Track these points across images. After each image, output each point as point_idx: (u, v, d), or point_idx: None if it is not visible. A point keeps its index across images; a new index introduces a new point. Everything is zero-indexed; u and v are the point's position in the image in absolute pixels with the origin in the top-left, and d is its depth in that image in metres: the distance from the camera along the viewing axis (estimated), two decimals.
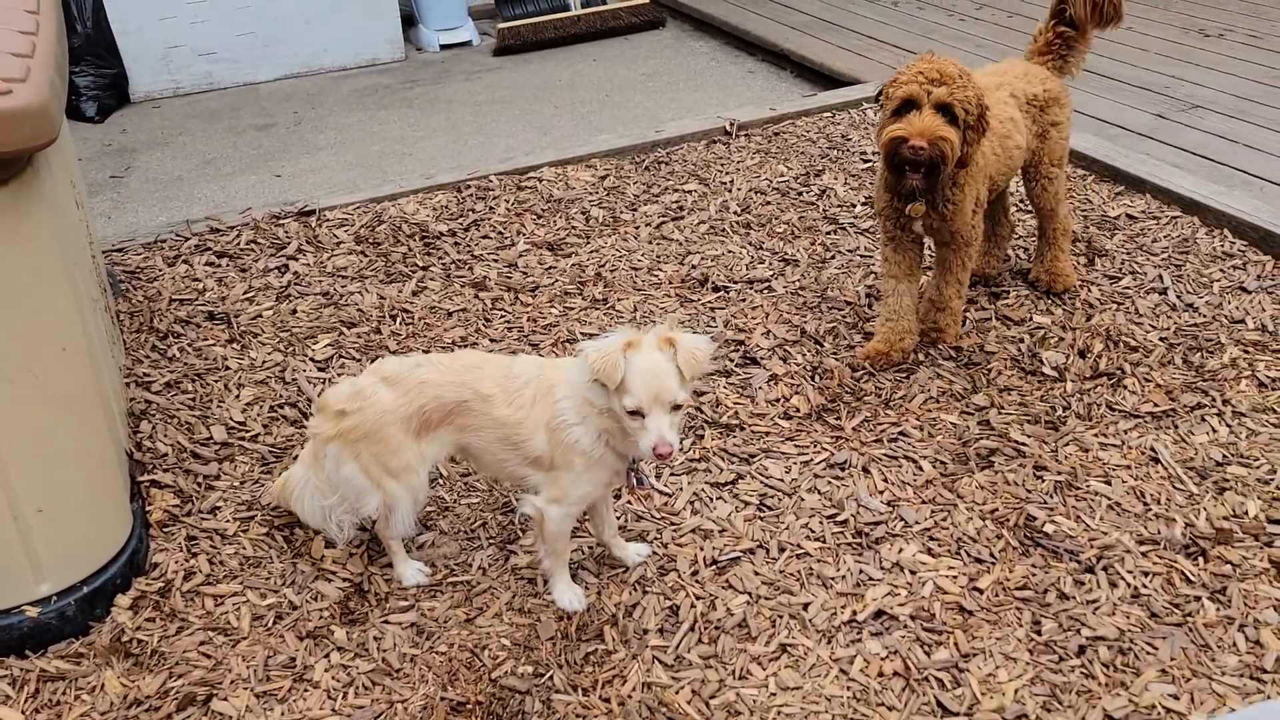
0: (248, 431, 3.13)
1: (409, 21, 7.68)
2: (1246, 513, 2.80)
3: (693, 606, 2.57)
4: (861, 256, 4.15)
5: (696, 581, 2.65)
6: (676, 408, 2.24)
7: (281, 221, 4.45)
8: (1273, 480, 2.90)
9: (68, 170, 2.85)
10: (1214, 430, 3.12)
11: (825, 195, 4.65)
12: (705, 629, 2.52)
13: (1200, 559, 2.67)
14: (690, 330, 2.40)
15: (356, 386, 2.47)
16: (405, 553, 2.69)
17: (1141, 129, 5.10)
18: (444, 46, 7.60)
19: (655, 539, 2.78)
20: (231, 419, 3.17)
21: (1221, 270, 3.89)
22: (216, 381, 3.36)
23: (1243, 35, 6.41)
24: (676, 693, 2.35)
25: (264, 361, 3.48)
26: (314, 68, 7.12)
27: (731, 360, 3.53)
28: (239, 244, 4.27)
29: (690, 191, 4.74)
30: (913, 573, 2.67)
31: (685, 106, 6.20)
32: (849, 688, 2.36)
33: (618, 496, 2.85)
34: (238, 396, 3.29)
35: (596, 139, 5.36)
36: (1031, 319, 3.69)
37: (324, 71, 7.16)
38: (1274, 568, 2.62)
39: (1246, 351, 3.45)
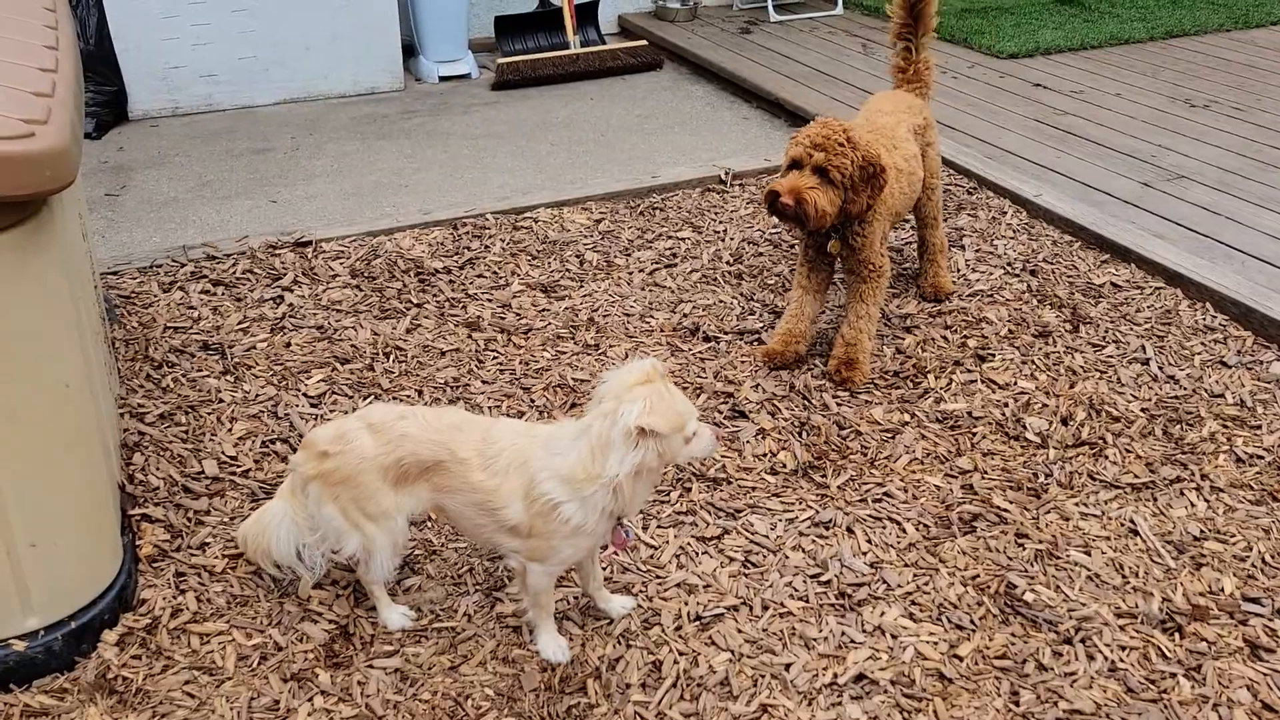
0: (239, 466, 3.14)
1: (409, 51, 7.75)
2: (1223, 589, 2.85)
3: (675, 662, 2.59)
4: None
5: (680, 637, 2.67)
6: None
7: (278, 251, 4.48)
8: (1248, 557, 2.96)
9: (76, 202, 2.87)
10: (1192, 504, 3.18)
11: None
12: (687, 686, 2.54)
13: (1177, 635, 2.72)
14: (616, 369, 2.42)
15: (341, 430, 2.48)
16: (389, 598, 2.69)
17: (1128, 196, 5.21)
18: (443, 78, 7.67)
19: (640, 592, 2.81)
20: (224, 453, 3.18)
21: (1203, 343, 3.98)
22: (210, 414, 3.37)
23: (1227, 107, 6.56)
24: None
25: (257, 395, 3.49)
26: (313, 94, 7.17)
27: (720, 413, 3.57)
28: (235, 272, 4.29)
29: (684, 239, 4.80)
30: (894, 637, 2.70)
31: (680, 150, 6.28)
32: None
33: (604, 548, 2.86)
34: (230, 430, 3.30)
35: (593, 181, 5.42)
36: (1016, 383, 3.75)
37: (323, 98, 7.20)
38: (1248, 646, 2.67)
39: (1225, 426, 3.52)
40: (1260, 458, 3.36)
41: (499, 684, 2.51)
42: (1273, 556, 2.96)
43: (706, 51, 7.90)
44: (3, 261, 2.01)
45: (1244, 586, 2.86)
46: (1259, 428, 3.50)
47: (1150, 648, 2.68)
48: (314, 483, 2.48)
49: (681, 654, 2.62)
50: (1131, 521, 3.11)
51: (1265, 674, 2.59)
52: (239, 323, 3.93)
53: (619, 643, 2.65)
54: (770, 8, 8.79)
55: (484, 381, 3.68)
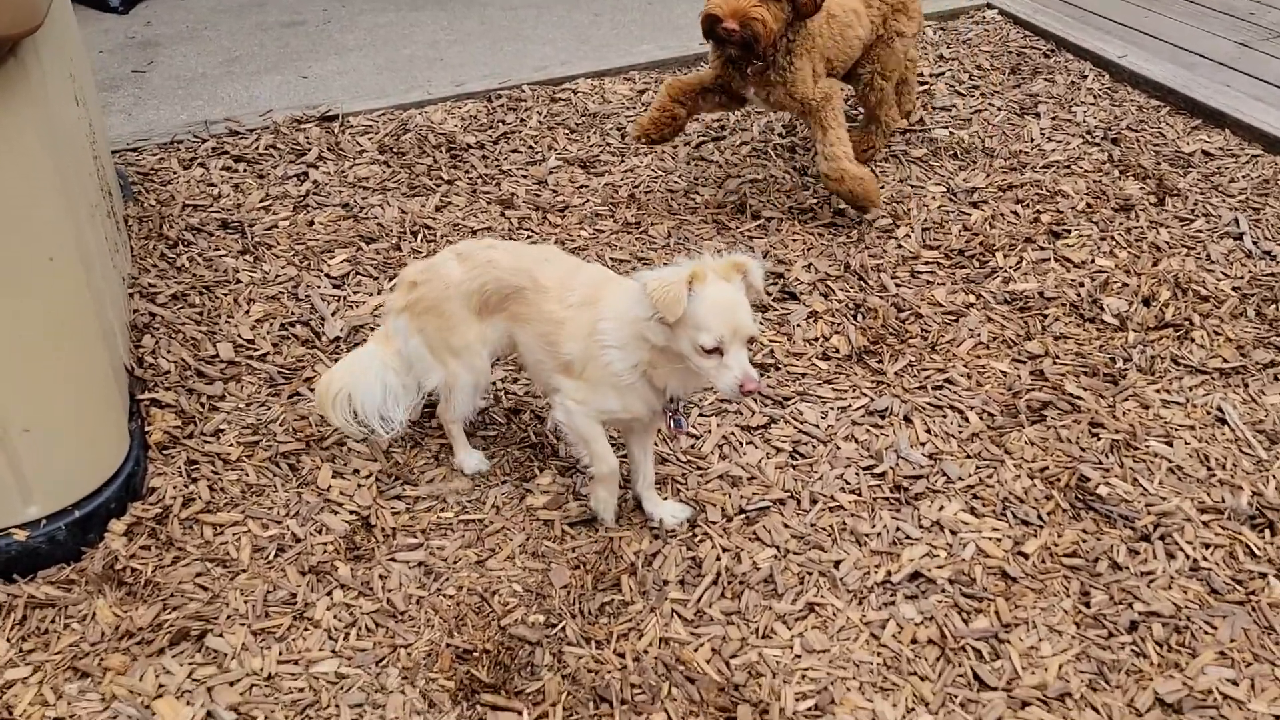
0: (256, 350, 2.98)
1: None
2: None
3: (717, 559, 2.42)
4: (913, 186, 3.89)
5: (722, 532, 2.49)
6: (751, 340, 2.13)
7: (303, 126, 4.25)
8: None
9: (65, 61, 2.65)
10: None
11: None
12: (729, 583, 2.37)
13: (1267, 532, 2.48)
14: (747, 254, 2.24)
15: (432, 260, 2.48)
16: (466, 439, 2.65)
17: (1222, 58, 4.74)
18: None
19: (680, 484, 2.62)
20: (240, 336, 3.02)
21: None
22: (226, 295, 3.20)
23: None
24: (695, 650, 2.21)
25: (277, 276, 3.31)
26: None
27: (769, 294, 3.32)
28: (258, 148, 4.08)
29: (731, 114, 4.47)
30: (953, 533, 2.49)
31: None
32: (879, 654, 2.21)
33: (656, 444, 2.67)
34: (247, 312, 3.13)
35: (636, 49, 5.08)
36: (1094, 261, 3.44)
37: None
38: None
39: None
40: None
41: (527, 579, 2.36)
42: None
43: None
44: None
45: None
46: None
47: (1237, 545, 2.45)
48: (403, 315, 2.47)
49: (724, 550, 2.45)
50: (1219, 409, 2.84)
51: None
52: (261, 200, 3.73)
53: (656, 538, 2.48)
54: None
55: None
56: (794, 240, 3.59)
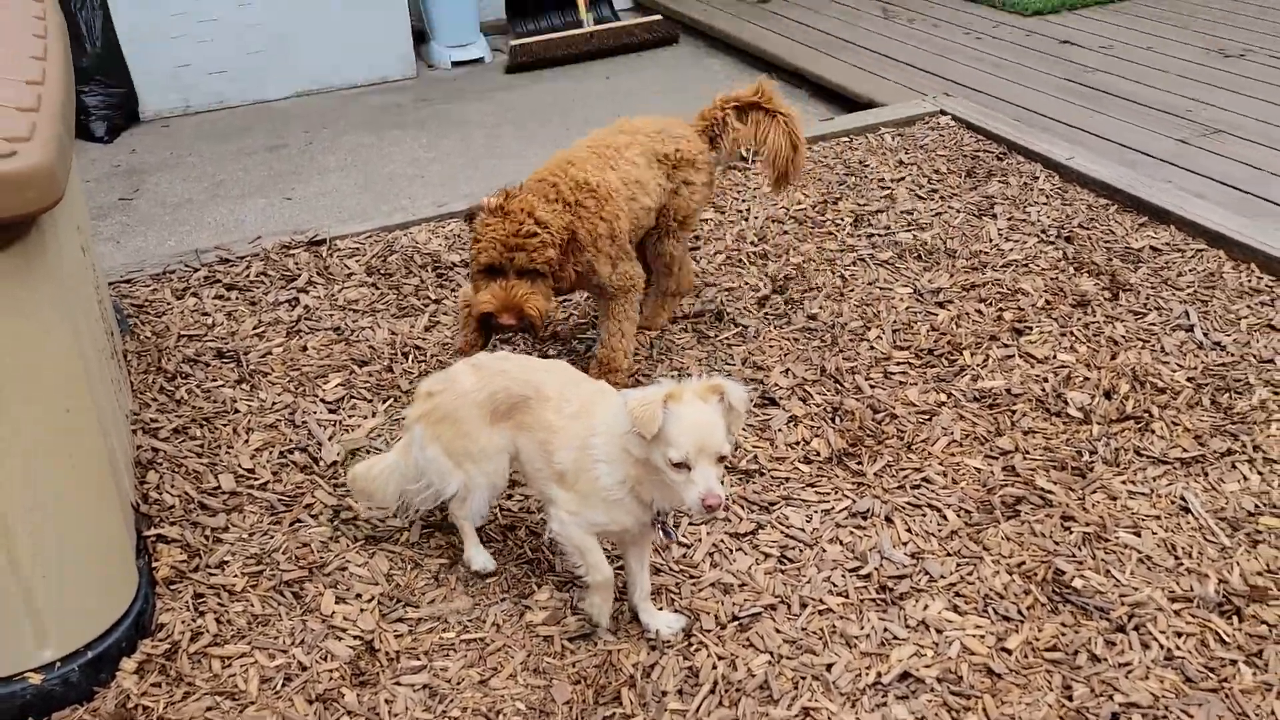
0: (257, 479, 3.07)
1: (420, 38, 7.64)
2: None
3: (714, 667, 2.50)
4: (881, 289, 4.08)
5: (717, 640, 2.58)
6: (721, 459, 2.23)
7: (292, 251, 4.40)
8: None
9: (73, 215, 2.79)
10: (1245, 478, 3.05)
11: (842, 225, 4.58)
12: (726, 691, 2.45)
13: (1235, 618, 2.59)
14: (726, 377, 2.37)
15: (447, 372, 2.63)
16: (477, 537, 2.78)
17: (1163, 155, 5.02)
18: (456, 64, 7.56)
19: (674, 593, 2.71)
20: (240, 466, 3.12)
21: (1249, 307, 3.81)
22: (225, 425, 3.30)
23: (1264, 56, 6.32)
24: None
25: (273, 403, 3.42)
26: (325, 85, 7.08)
27: (749, 401, 3.45)
28: (249, 275, 4.22)
29: (705, 220, 4.67)
30: (939, 631, 2.59)
31: None
32: None
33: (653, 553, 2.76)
34: (246, 441, 3.23)
35: None
36: (1056, 357, 3.61)
37: (335, 89, 7.12)
38: None
39: (1277, 393, 3.37)
40: None
41: (530, 696, 2.43)
42: None
43: (723, 23, 7.73)
44: None
45: None
46: None
47: (1208, 633, 2.56)
48: (419, 424, 2.60)
49: (719, 658, 2.53)
50: (1182, 499, 2.97)
51: None
52: (254, 328, 3.86)
53: (653, 649, 2.56)
54: None
55: None
56: (771, 346, 3.75)
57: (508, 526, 2.97)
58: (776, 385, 3.52)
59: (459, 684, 2.47)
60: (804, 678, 2.48)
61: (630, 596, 2.64)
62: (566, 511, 2.45)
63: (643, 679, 2.48)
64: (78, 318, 2.40)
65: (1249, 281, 3.95)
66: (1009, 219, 4.52)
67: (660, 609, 2.64)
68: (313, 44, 6.92)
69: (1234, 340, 3.63)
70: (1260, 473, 3.06)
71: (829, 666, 2.51)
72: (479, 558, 2.76)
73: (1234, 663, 2.47)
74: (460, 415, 2.53)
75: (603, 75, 7.26)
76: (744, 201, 4.84)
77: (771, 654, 2.54)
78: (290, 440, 3.24)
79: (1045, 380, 3.50)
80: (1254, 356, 3.55)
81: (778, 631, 2.61)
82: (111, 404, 2.77)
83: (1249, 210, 4.39)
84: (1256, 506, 2.93)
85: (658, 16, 7.96)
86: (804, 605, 2.68)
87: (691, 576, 2.78)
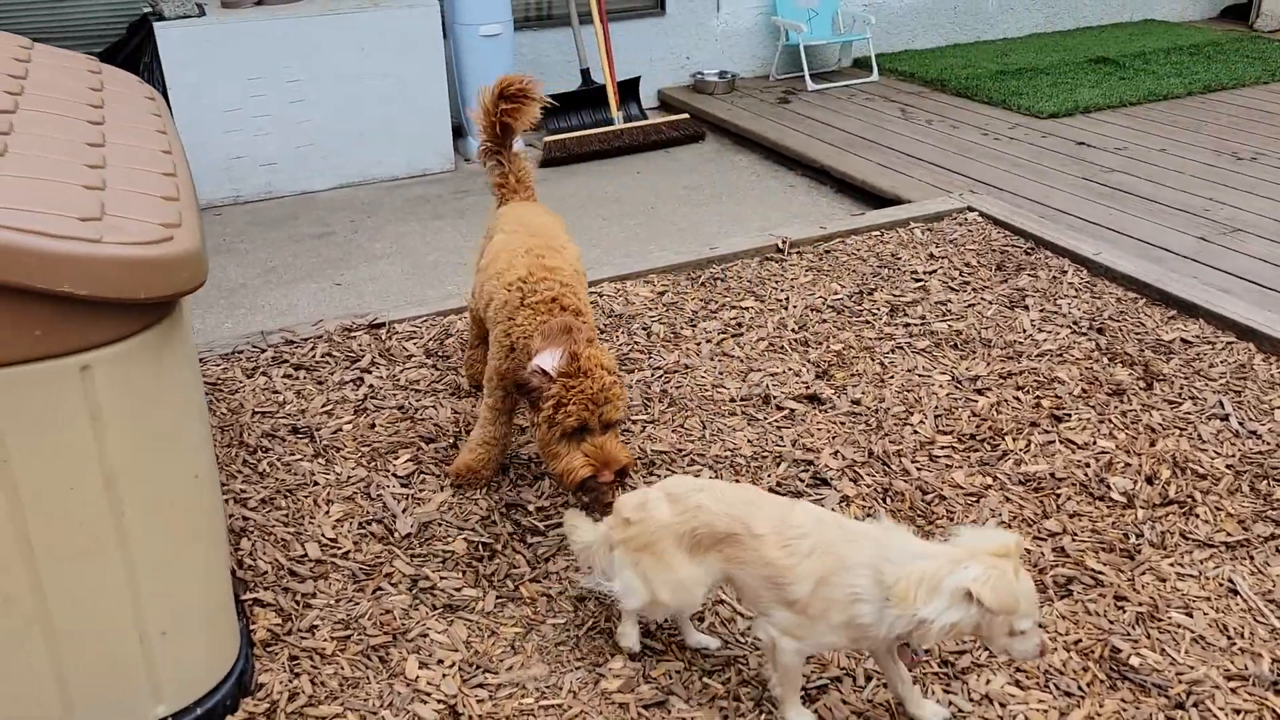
0: (339, 549, 3.19)
1: (458, 133, 7.95)
2: None
3: None
4: (920, 376, 4.23)
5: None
6: None
7: (353, 334, 4.57)
8: None
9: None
10: None
11: (879, 314, 4.76)
12: None
13: None
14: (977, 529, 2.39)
15: (643, 498, 2.66)
16: (637, 625, 2.85)
17: (1186, 252, 5.23)
18: None
19: (742, 663, 2.81)
20: (324, 536, 3.24)
21: None
22: (306, 497, 3.43)
23: (1274, 159, 6.59)
24: None
25: (349, 477, 3.55)
26: (368, 178, 7.35)
27: (802, 481, 3.59)
28: (314, 356, 4.38)
29: (747, 308, 4.86)
30: (1003, 705, 2.68)
31: (730, 219, 6.38)
32: None
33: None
34: (328, 513, 3.35)
35: (650, 254, 5.51)
36: (1096, 443, 3.75)
37: (377, 181, 7.39)
38: None
39: None
40: None
41: None
42: None
43: (747, 122, 8.05)
44: (144, 360, 2.09)
45: None
46: None
47: (1265, 710, 2.64)
48: (619, 548, 2.66)
49: None
50: (1230, 580, 3.08)
51: None
52: (323, 405, 4.01)
53: (722, 715, 2.64)
54: (807, 77, 8.95)
55: None
56: (819, 429, 3.89)
57: (578, 599, 3.07)
58: (827, 466, 3.65)
59: None
60: None
61: (894, 690, 2.66)
62: (789, 635, 2.46)
63: None
64: (201, 388, 2.55)
65: (1278, 373, 4.11)
66: (1040, 310, 4.71)
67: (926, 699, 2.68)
68: (358, 139, 7.21)
69: (1269, 429, 3.77)
70: None
71: None
72: (630, 636, 2.83)
73: None
74: (660, 548, 2.57)
75: (634, 170, 7.54)
76: (783, 291, 5.03)
77: None
78: (368, 512, 3.37)
79: (1087, 465, 3.63)
80: None
81: (844, 703, 2.70)
82: (216, 473, 2.91)
83: (1273, 305, 4.58)
84: None
85: (684, 115, 8.29)
86: (869, 678, 2.77)
87: (756, 648, 2.88)
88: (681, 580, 2.58)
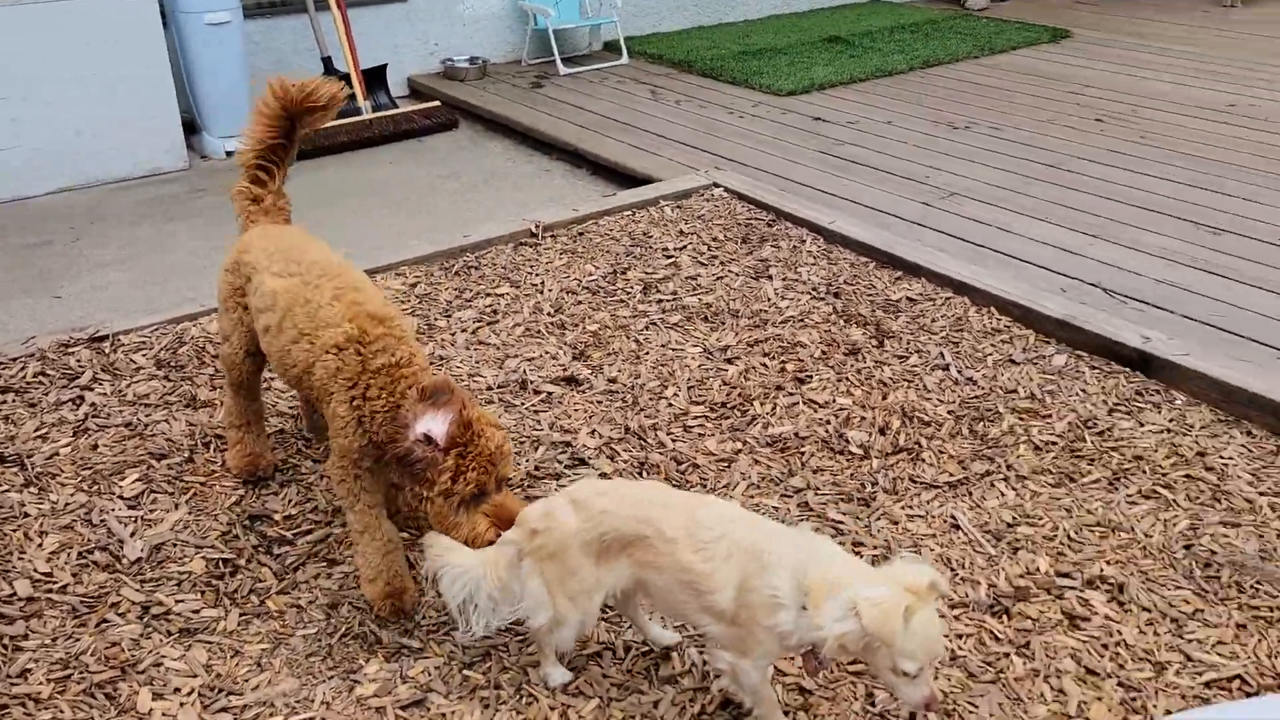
0: (55, 582, 2.92)
1: (190, 128, 7.48)
2: (1038, 569, 3.09)
3: (545, 718, 2.59)
4: (673, 350, 4.33)
5: (547, 692, 2.67)
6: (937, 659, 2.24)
7: (71, 350, 4.21)
8: (1056, 536, 3.22)
9: None
10: (1002, 494, 3.43)
11: (633, 293, 4.83)
12: None
13: (1004, 617, 2.92)
14: (915, 560, 2.33)
15: (548, 507, 2.55)
16: (555, 657, 2.71)
17: (911, 217, 5.60)
18: (230, 153, 7.42)
19: (504, 653, 2.79)
20: (36, 571, 2.96)
21: (992, 345, 4.31)
22: (15, 531, 3.12)
23: (985, 127, 7.16)
24: None
25: (66, 504, 3.26)
26: (91, 180, 6.80)
27: (560, 462, 3.60)
28: (25, 377, 4.00)
29: (503, 295, 4.82)
30: None
31: (486, 207, 6.32)
32: None
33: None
34: (40, 545, 3.07)
35: (404, 246, 5.37)
36: (835, 401, 3.95)
37: (102, 183, 6.84)
38: (1066, 619, 2.90)
39: (1021, 418, 3.82)
40: (1054, 444, 3.66)
41: None
42: (1076, 533, 3.23)
43: (501, 108, 7.99)
44: None
45: (1056, 564, 3.10)
46: (1049, 416, 3.81)
47: (983, 632, 2.87)
48: (528, 559, 2.53)
49: (550, 708, 2.62)
50: (952, 517, 3.32)
51: (1084, 641, 2.82)
52: (36, 429, 3.66)
53: (486, 707, 2.62)
54: (558, 61, 8.97)
55: (315, 460, 3.58)
56: (576, 410, 3.91)
57: (331, 605, 2.96)
58: (585, 446, 3.68)
59: None
60: (633, 717, 2.60)
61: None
62: (741, 656, 2.39)
63: None
64: None
65: (990, 323, 4.47)
66: (783, 279, 4.92)
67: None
68: (75, 137, 6.65)
69: (983, 375, 4.09)
70: (1014, 489, 3.46)
71: (655, 704, 2.64)
72: (556, 674, 2.70)
73: (1007, 655, 2.79)
74: (567, 556, 2.48)
75: (385, 161, 7.34)
76: (538, 275, 5.02)
77: (601, 698, 2.66)
78: (88, 540, 3.11)
79: (828, 423, 3.82)
80: (1000, 388, 4.01)
81: (605, 677, 2.73)
82: None
83: (985, 261, 4.97)
84: (1014, 518, 3.31)
85: (435, 103, 8.14)
86: (629, 649, 2.82)
87: (519, 635, 2.86)
88: (588, 588, 2.50)
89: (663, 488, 2.71)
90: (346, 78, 7.68)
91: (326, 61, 7.77)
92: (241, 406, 3.38)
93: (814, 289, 4.82)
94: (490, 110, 7.99)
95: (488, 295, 4.83)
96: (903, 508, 3.38)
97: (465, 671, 2.75)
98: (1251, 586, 3.00)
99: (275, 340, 2.92)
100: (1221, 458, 3.55)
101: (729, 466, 3.59)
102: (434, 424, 2.57)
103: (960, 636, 2.85)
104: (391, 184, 6.78)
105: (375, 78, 7.97)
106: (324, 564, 3.09)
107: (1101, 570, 3.07)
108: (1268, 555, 3.11)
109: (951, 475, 3.53)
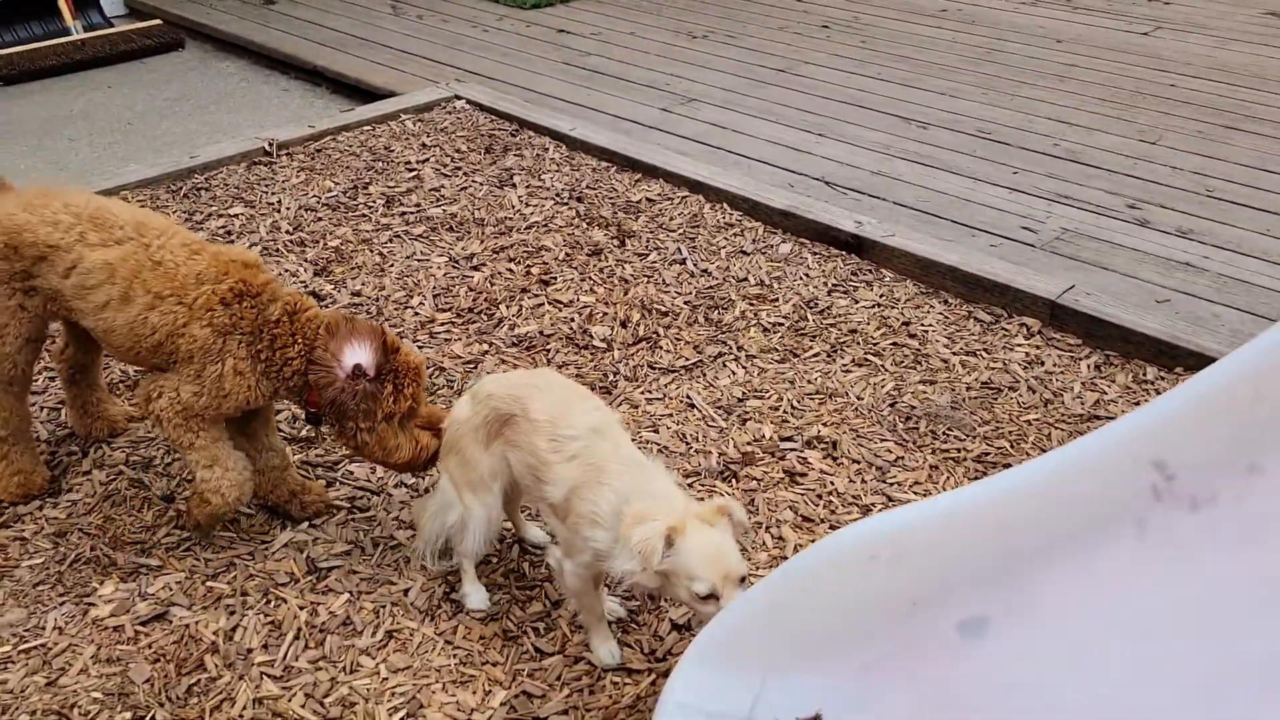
0: None
1: None
2: (764, 436, 3.35)
3: (295, 616, 2.62)
4: (418, 261, 4.33)
5: (297, 593, 2.69)
6: (743, 580, 2.16)
7: None
8: (780, 406, 3.49)
9: None
10: (734, 373, 3.68)
11: (375, 207, 4.77)
12: (310, 634, 2.58)
13: (733, 480, 3.17)
14: (728, 497, 2.38)
15: (456, 403, 2.58)
16: (474, 575, 2.67)
17: (651, 122, 5.76)
18: None
19: (248, 560, 2.78)
20: None
21: (726, 238, 4.55)
22: None
23: (721, 35, 7.40)
24: (290, 700, 2.39)
25: None
26: None
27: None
28: None
29: (236, 215, 4.65)
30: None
31: (221, 129, 6.02)
32: (455, 655, 2.54)
33: None
34: None
35: (124, 170, 5.06)
36: (579, 299, 4.08)
37: None
38: (787, 476, 3.17)
39: (751, 304, 4.08)
40: (780, 324, 3.94)
41: (106, 685, 2.40)
42: (798, 401, 3.52)
43: (231, 26, 7.56)
44: None
45: (779, 430, 3.38)
46: (776, 300, 4.09)
47: (712, 495, 3.10)
48: (441, 460, 2.59)
49: (300, 607, 2.65)
50: (688, 397, 3.54)
51: (801, 494, 3.10)
52: None
53: (232, 613, 2.62)
54: None
55: (50, 410, 3.38)
56: None
57: (59, 533, 2.84)
58: None
59: (23, 692, 2.37)
60: (384, 606, 2.67)
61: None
62: (565, 556, 2.38)
63: (225, 642, 2.54)
64: None
65: (723, 218, 4.71)
66: (527, 187, 4.98)
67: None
68: None
69: (717, 266, 4.33)
70: (744, 367, 3.71)
71: (405, 591, 2.72)
72: (475, 595, 2.63)
73: None
74: (462, 444, 2.47)
75: (103, 85, 6.83)
76: (274, 195, 4.86)
77: (351, 592, 2.71)
78: None
79: (572, 320, 3.95)
80: (733, 278, 4.25)
81: (354, 572, 2.77)
82: None
83: (719, 161, 5.20)
84: (743, 394, 3.57)
85: (157, 22, 7.61)
86: (376, 544, 2.87)
87: (264, 542, 2.86)
88: (482, 477, 2.48)
89: (556, 376, 2.64)
90: None
91: None
92: (9, 409, 2.95)
93: (557, 195, 4.91)
94: (220, 29, 7.55)
95: (220, 216, 4.64)
96: (642, 393, 3.56)
97: (209, 583, 2.73)
98: (944, 433, 3.37)
99: (120, 313, 2.63)
100: (923, 325, 3.94)
101: (475, 367, 3.66)
102: (359, 355, 2.55)
103: (697, 498, 3.06)
104: (112, 109, 6.33)
105: None
106: (47, 494, 2.96)
107: (819, 432, 3.37)
108: (958, 405, 3.50)
109: (687, 360, 3.74)
